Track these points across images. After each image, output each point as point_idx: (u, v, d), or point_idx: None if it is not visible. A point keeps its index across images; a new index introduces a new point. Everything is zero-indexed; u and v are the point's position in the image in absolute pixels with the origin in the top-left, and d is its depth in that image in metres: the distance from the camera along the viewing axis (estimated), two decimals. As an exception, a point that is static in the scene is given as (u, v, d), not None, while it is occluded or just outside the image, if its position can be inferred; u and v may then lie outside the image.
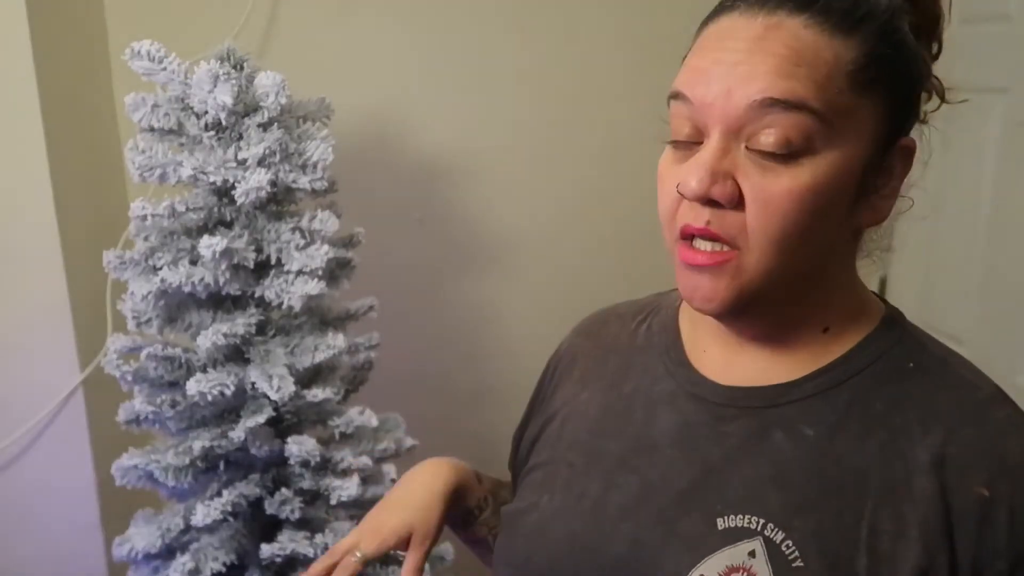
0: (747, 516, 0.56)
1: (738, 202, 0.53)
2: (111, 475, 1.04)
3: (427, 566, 1.11)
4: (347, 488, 1.03)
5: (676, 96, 0.55)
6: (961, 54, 1.14)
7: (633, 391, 0.66)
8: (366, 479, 1.07)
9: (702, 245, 0.54)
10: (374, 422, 1.08)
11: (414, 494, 0.77)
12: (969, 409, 0.56)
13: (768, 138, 0.51)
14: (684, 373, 0.63)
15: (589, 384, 0.71)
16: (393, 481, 1.10)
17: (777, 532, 0.55)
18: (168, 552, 1.06)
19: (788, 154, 0.51)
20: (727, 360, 0.62)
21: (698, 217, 0.54)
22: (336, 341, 1.05)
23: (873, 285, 0.63)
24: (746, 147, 0.52)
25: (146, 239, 1.02)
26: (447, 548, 1.15)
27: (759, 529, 0.55)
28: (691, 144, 0.55)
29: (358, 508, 1.10)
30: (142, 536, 1.04)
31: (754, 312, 0.57)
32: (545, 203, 1.47)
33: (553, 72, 1.42)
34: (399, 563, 1.10)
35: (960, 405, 0.56)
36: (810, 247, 0.54)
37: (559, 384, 0.76)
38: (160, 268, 0.99)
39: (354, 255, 1.12)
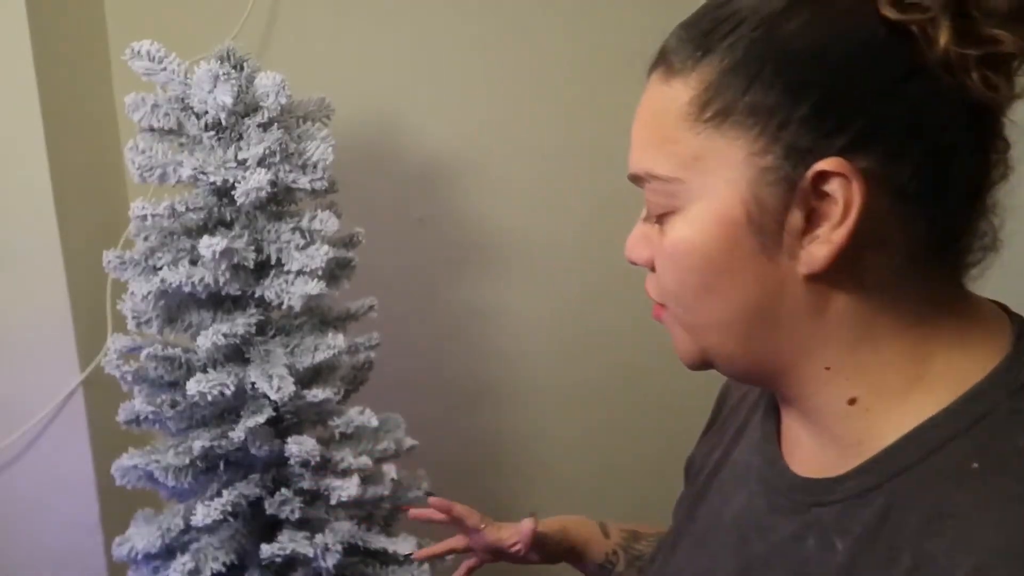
0: None
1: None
2: (111, 475, 1.04)
3: (427, 565, 1.11)
4: (347, 488, 1.03)
5: None
6: None
7: (735, 460, 0.62)
8: (366, 479, 1.07)
9: None
10: (374, 422, 1.08)
11: None
12: (1014, 541, 0.40)
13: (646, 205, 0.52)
14: (767, 449, 0.57)
15: (716, 442, 0.68)
16: (393, 481, 1.10)
17: None
18: (168, 552, 1.06)
19: (660, 216, 0.50)
20: (789, 437, 0.56)
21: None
22: (336, 341, 1.05)
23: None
24: None
25: (146, 239, 1.02)
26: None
27: None
28: None
29: (358, 508, 1.10)
30: (142, 536, 1.04)
31: (748, 375, 0.54)
32: (546, 203, 1.47)
33: (554, 72, 1.42)
34: (399, 563, 1.10)
35: (1001, 530, 0.41)
36: (727, 301, 0.49)
37: (712, 423, 0.73)
38: (160, 268, 0.99)
39: (354, 255, 1.12)
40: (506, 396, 1.55)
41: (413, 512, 0.94)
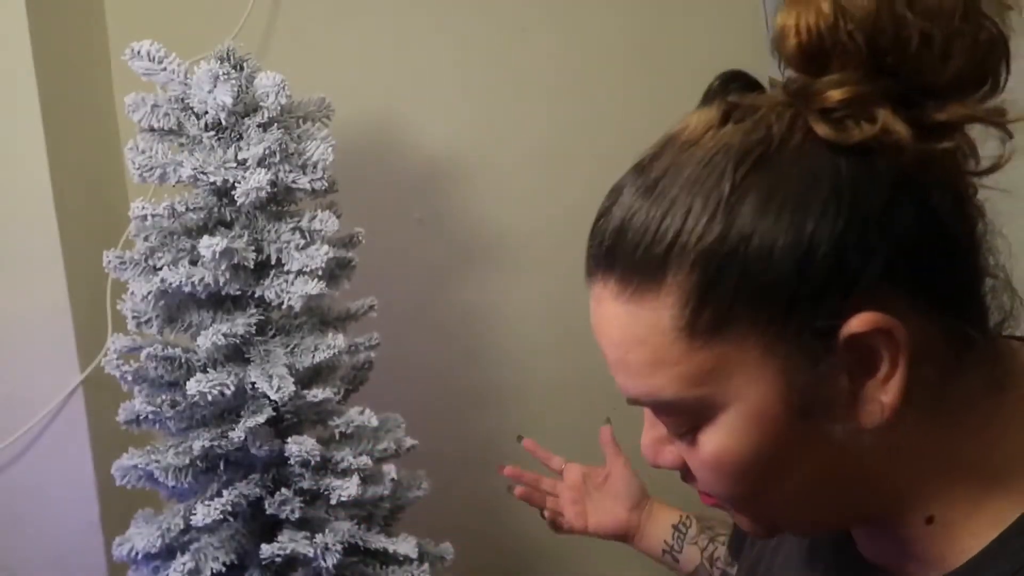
0: None
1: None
2: (111, 475, 1.04)
3: (427, 565, 1.11)
4: (347, 488, 1.03)
5: None
6: None
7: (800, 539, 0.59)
8: (366, 479, 1.07)
9: None
10: (374, 422, 1.08)
11: None
12: None
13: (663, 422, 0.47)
14: (838, 535, 0.53)
15: None
16: (393, 481, 1.10)
17: None
18: (168, 552, 1.06)
19: (684, 433, 0.46)
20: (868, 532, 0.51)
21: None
22: (336, 341, 1.05)
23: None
24: None
25: (146, 239, 1.02)
26: (447, 547, 1.15)
27: None
28: None
29: (358, 508, 1.10)
30: (142, 536, 1.04)
31: (827, 529, 0.50)
32: (546, 203, 1.47)
33: (554, 72, 1.42)
34: (399, 563, 1.10)
35: None
36: (790, 483, 0.45)
37: None
38: (160, 268, 0.99)
39: (354, 255, 1.12)
40: (506, 395, 1.55)
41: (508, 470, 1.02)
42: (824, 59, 0.40)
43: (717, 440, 0.44)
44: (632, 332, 0.44)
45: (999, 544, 0.43)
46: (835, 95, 0.40)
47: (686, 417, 0.45)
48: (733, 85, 0.46)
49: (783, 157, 0.41)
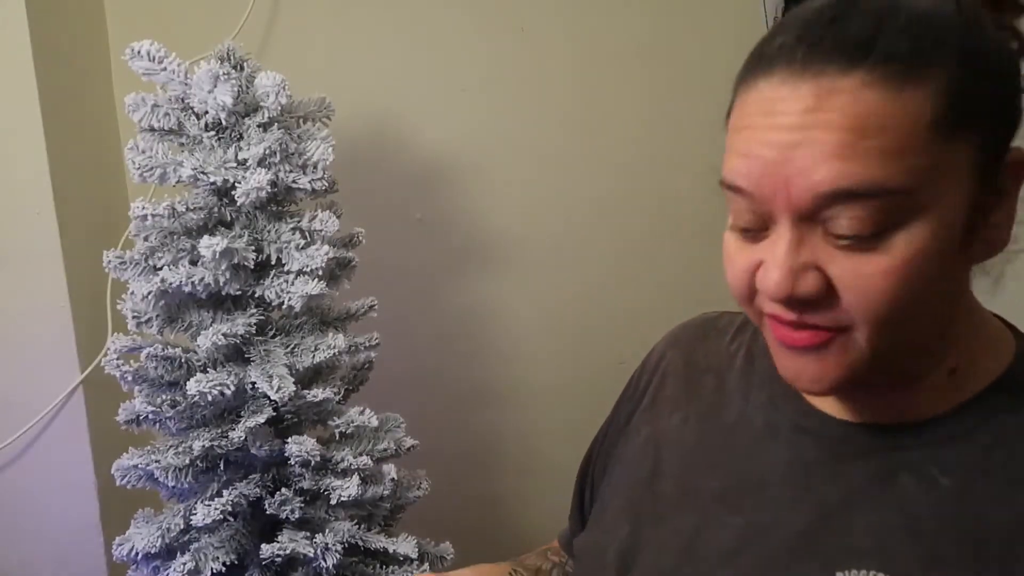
0: (873, 573, 0.49)
1: (828, 291, 0.46)
2: (111, 475, 1.04)
3: (427, 566, 1.11)
4: (347, 488, 1.03)
5: (729, 188, 0.49)
6: None
7: (735, 422, 0.60)
8: (366, 479, 1.07)
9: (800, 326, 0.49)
10: (374, 422, 1.08)
11: None
12: None
13: (847, 224, 0.45)
14: (794, 404, 0.57)
15: (682, 406, 0.65)
16: (393, 481, 1.10)
17: None
18: (168, 552, 1.06)
19: (874, 234, 0.45)
20: (842, 393, 0.54)
21: (786, 312, 0.48)
22: (336, 341, 1.05)
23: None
24: (824, 231, 0.46)
25: (146, 239, 1.02)
26: (447, 547, 1.15)
27: None
28: (757, 232, 0.49)
29: (358, 508, 1.10)
30: (142, 536, 1.04)
31: (869, 380, 0.51)
32: (546, 203, 1.47)
33: (554, 72, 1.42)
34: (399, 563, 1.10)
35: None
36: (925, 310, 0.47)
37: (647, 398, 0.70)
38: (160, 268, 0.99)
39: (354, 255, 1.12)
40: (506, 395, 1.55)
41: None
42: None
43: (905, 245, 0.45)
44: (877, 118, 0.43)
45: (1005, 378, 0.51)
46: None
47: (886, 215, 0.44)
48: None
49: None
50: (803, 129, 0.44)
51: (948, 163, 0.45)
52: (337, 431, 1.08)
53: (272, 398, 0.99)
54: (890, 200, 0.44)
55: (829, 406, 0.56)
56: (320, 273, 1.01)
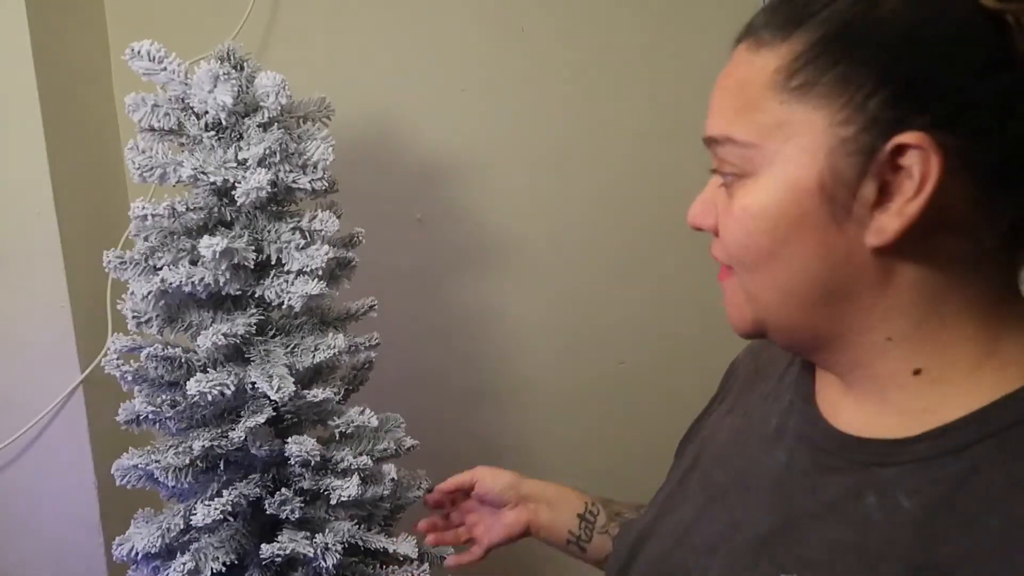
0: None
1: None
2: (111, 475, 1.04)
3: (427, 566, 1.11)
4: (347, 488, 1.03)
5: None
6: None
7: (759, 422, 0.62)
8: (366, 479, 1.07)
9: None
10: (374, 422, 1.08)
11: None
12: None
13: (717, 164, 0.53)
14: (805, 409, 0.58)
15: (735, 408, 0.68)
16: (393, 481, 1.10)
17: None
18: (168, 552, 1.06)
19: (732, 178, 0.51)
20: (837, 400, 0.56)
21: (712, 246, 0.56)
22: (336, 341, 1.05)
23: None
24: None
25: (146, 239, 1.02)
26: (447, 547, 1.15)
27: None
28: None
29: (358, 508, 1.10)
30: (142, 536, 1.04)
31: (801, 345, 0.55)
32: (546, 203, 1.47)
33: (554, 72, 1.42)
34: (399, 563, 1.10)
35: None
36: (792, 269, 0.50)
37: (723, 397, 0.74)
38: (160, 268, 0.99)
39: (354, 255, 1.12)
40: (506, 396, 1.55)
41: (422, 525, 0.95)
42: None
43: (752, 193, 0.50)
44: (739, 75, 0.51)
45: (1001, 403, 0.47)
46: None
47: (740, 164, 0.50)
48: None
49: None
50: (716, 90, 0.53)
51: (795, 125, 0.47)
52: (337, 431, 1.08)
53: (272, 398, 0.99)
54: (737, 149, 0.50)
55: (830, 413, 0.56)
56: (320, 273, 1.01)
